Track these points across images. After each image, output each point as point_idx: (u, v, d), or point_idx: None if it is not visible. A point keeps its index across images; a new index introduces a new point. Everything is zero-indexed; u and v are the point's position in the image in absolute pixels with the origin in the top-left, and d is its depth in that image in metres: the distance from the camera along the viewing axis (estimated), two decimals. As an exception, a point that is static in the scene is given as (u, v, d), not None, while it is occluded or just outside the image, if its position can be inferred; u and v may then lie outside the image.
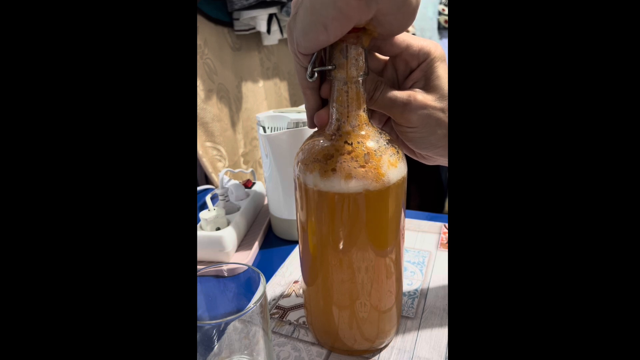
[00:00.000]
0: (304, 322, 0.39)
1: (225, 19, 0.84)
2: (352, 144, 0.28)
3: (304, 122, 0.48)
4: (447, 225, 0.56)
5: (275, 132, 0.49)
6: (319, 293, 0.33)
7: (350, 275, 0.31)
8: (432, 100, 0.30)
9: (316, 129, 0.31)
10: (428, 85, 0.30)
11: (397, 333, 0.37)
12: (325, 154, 0.28)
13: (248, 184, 0.62)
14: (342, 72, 0.27)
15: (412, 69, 0.31)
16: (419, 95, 0.30)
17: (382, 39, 0.29)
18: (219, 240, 0.48)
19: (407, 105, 0.30)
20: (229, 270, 0.31)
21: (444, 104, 0.30)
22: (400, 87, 0.32)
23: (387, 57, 0.32)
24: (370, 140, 0.29)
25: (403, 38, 0.30)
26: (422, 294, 0.42)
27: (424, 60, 0.30)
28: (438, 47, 0.30)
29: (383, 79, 0.31)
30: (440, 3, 2.02)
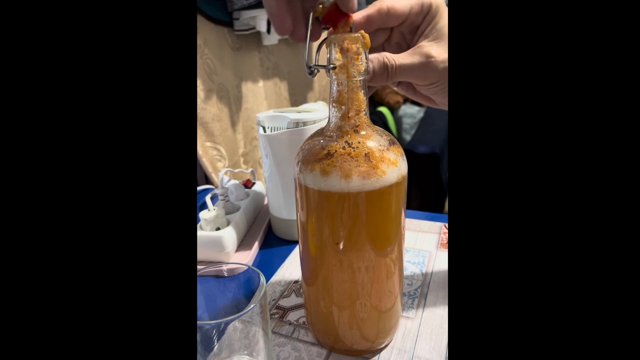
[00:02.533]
0: (304, 322, 0.39)
1: (225, 19, 0.84)
2: (352, 144, 0.28)
3: (304, 122, 0.48)
4: (447, 225, 0.55)
5: (275, 132, 0.49)
6: (319, 293, 0.33)
7: (351, 275, 0.31)
8: (445, 50, 0.29)
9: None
10: (437, 34, 0.30)
11: (397, 333, 0.37)
12: (326, 153, 0.28)
13: (248, 184, 0.62)
14: (342, 72, 0.27)
15: (418, 24, 0.31)
16: (433, 50, 0.29)
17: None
18: (219, 240, 0.48)
19: (426, 65, 0.29)
20: (228, 270, 0.31)
21: None
22: (409, 44, 0.32)
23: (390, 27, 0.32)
24: (371, 140, 0.29)
25: (403, 4, 0.30)
26: (422, 294, 0.42)
27: (427, 12, 0.30)
28: None
29: (387, 54, 0.31)
30: (440, 3, 2.01)
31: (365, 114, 0.29)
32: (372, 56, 0.30)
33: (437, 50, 0.29)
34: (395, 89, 0.36)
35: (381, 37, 0.33)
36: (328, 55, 0.28)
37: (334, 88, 0.29)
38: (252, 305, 0.26)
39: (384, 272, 0.32)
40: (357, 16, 0.30)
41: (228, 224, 0.51)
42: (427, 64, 0.29)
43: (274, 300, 0.43)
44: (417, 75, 0.30)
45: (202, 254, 0.49)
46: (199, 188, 0.76)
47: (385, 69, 0.30)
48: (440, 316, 0.39)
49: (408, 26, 0.31)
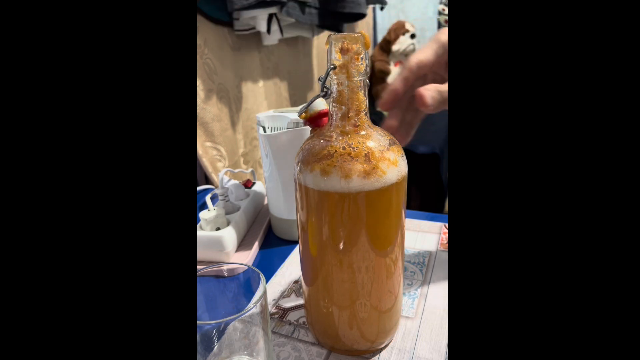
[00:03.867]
0: (304, 322, 0.39)
1: (225, 19, 0.84)
2: (352, 144, 0.28)
3: (304, 122, 0.48)
4: (447, 225, 0.56)
5: (275, 132, 0.49)
6: (319, 293, 0.33)
7: (351, 275, 0.31)
8: None
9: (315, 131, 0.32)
10: None
11: (397, 333, 0.37)
12: (326, 153, 0.28)
13: (248, 184, 0.62)
14: (342, 72, 0.27)
15: (447, 59, 0.34)
16: None
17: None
18: (219, 240, 0.48)
19: None
20: (229, 270, 0.31)
21: None
22: (443, 77, 0.36)
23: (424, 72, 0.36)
24: (371, 140, 0.29)
25: (427, 52, 0.34)
26: (422, 294, 0.42)
27: (444, 51, 0.33)
28: (440, 34, 0.34)
29: (435, 85, 0.34)
30: (441, 3, 2.02)
31: (365, 114, 0.29)
32: (427, 88, 0.32)
33: None
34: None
35: (419, 84, 0.35)
36: (328, 56, 0.28)
37: (334, 88, 0.29)
38: (252, 305, 0.26)
39: (384, 272, 0.32)
40: (396, 84, 0.34)
41: (228, 224, 0.51)
42: None
43: (274, 300, 0.43)
44: None
45: (202, 254, 0.49)
46: (199, 188, 0.76)
47: (442, 96, 0.32)
48: (440, 316, 0.39)
49: (437, 64, 0.34)
